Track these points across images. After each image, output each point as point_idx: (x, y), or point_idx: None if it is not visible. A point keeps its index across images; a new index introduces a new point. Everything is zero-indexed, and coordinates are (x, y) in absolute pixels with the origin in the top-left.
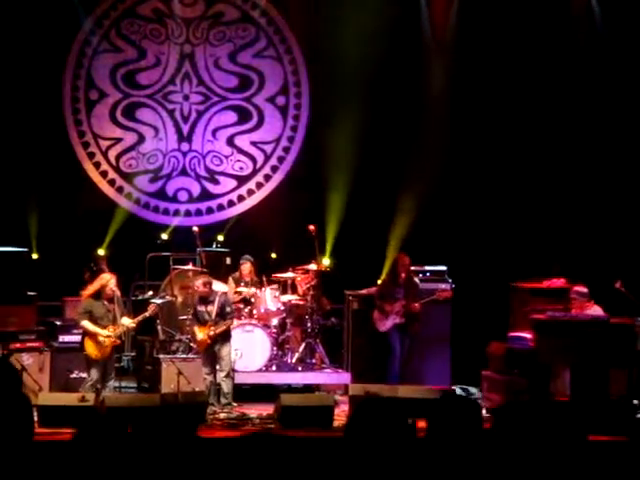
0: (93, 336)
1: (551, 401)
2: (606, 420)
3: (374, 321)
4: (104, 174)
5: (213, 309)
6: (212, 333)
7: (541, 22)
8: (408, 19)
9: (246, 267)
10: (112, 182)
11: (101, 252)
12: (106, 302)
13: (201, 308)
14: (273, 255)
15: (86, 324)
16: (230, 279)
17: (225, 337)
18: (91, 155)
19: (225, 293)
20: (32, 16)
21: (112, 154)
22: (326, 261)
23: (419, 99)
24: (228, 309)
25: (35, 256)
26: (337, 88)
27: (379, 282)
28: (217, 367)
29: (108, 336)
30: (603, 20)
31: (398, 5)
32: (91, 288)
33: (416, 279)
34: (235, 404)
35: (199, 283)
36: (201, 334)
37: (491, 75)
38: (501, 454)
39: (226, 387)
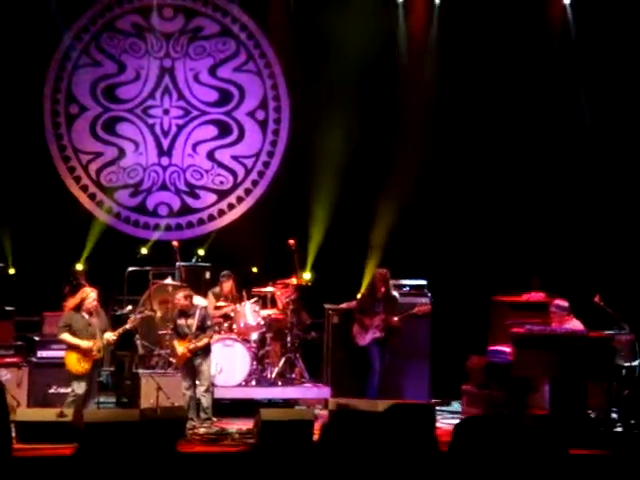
0: (75, 350)
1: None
2: (585, 434)
3: (354, 335)
4: (84, 188)
5: (193, 323)
6: (192, 347)
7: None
8: (388, 32)
9: (228, 285)
10: (92, 196)
11: (79, 267)
12: (86, 316)
13: (181, 322)
14: (254, 269)
15: (66, 337)
16: (210, 294)
17: (205, 351)
18: (71, 169)
19: (205, 307)
20: (12, 30)
21: (93, 168)
22: (307, 275)
23: (399, 113)
24: (209, 322)
25: (12, 271)
26: (317, 102)
27: (359, 296)
28: (197, 382)
29: (89, 347)
30: (577, 27)
31: (378, 18)
32: (72, 301)
33: (395, 293)
34: (214, 419)
35: (180, 296)
36: (181, 348)
37: (471, 88)
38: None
39: (205, 402)
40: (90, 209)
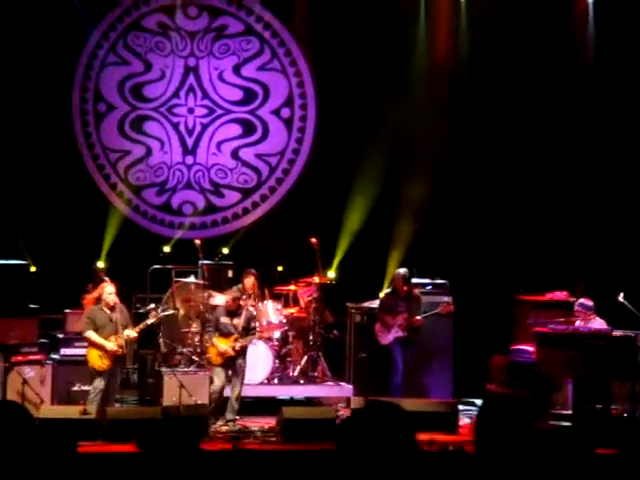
0: (97, 347)
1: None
2: (609, 433)
3: (376, 334)
4: (113, 186)
5: (240, 322)
6: (239, 345)
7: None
8: (412, 28)
9: (249, 281)
10: (121, 194)
11: (100, 264)
12: (107, 311)
13: (225, 320)
14: (279, 268)
15: (91, 334)
16: (234, 288)
17: (245, 352)
18: (100, 167)
19: (251, 307)
20: (40, 29)
21: (121, 166)
22: (331, 274)
23: (425, 110)
24: (253, 324)
25: (33, 269)
26: (344, 99)
27: (381, 295)
28: (233, 382)
29: (112, 349)
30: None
31: (401, 18)
32: (90, 296)
33: (418, 292)
34: (238, 417)
35: (232, 294)
36: (224, 345)
37: (495, 92)
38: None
39: (237, 404)
40: (119, 207)
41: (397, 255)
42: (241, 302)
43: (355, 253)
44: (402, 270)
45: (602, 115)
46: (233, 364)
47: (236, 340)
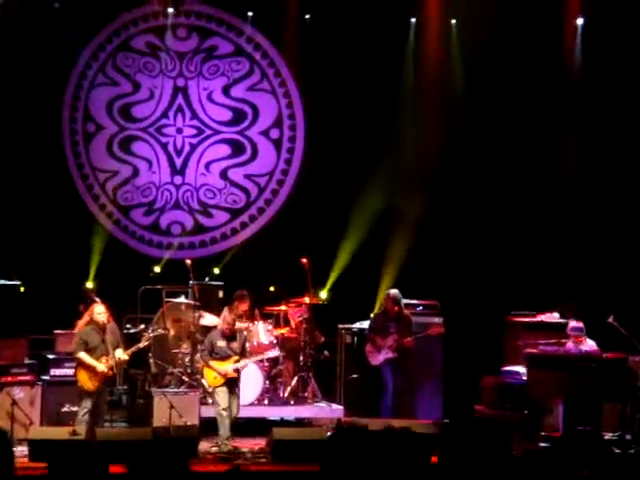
0: (86, 367)
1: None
2: (599, 455)
3: (366, 355)
4: (102, 207)
5: (237, 345)
6: (241, 366)
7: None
8: (402, 50)
9: (244, 305)
10: (110, 215)
11: (89, 284)
12: (99, 331)
13: (222, 343)
14: (271, 288)
15: (83, 356)
16: (226, 309)
17: (239, 375)
18: (89, 187)
19: (245, 330)
20: (30, 50)
21: (109, 186)
22: (324, 294)
23: (415, 131)
24: (247, 346)
25: (22, 289)
26: (332, 121)
27: (372, 316)
28: (230, 403)
29: (103, 371)
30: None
31: (392, 36)
32: (82, 319)
33: (408, 313)
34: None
35: (228, 318)
36: (223, 367)
37: (486, 112)
38: None
39: (232, 423)
40: (107, 227)
41: (389, 276)
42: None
43: (348, 274)
44: (392, 291)
45: (582, 137)
46: (232, 385)
47: (237, 361)
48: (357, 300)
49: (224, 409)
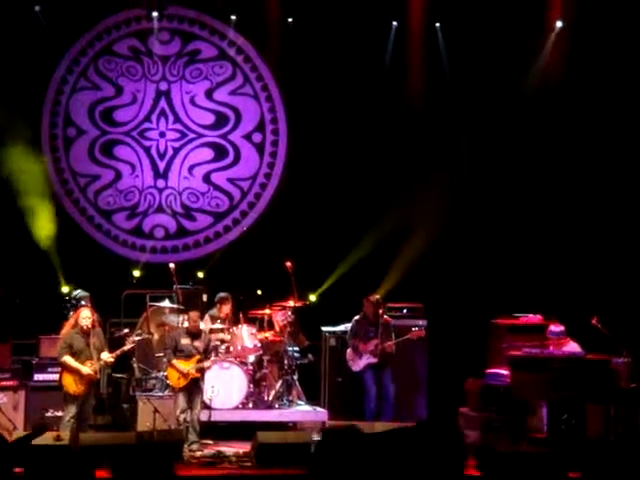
0: (71, 372)
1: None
2: (583, 457)
3: (347, 360)
4: (83, 211)
5: (200, 344)
6: (205, 366)
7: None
8: (386, 53)
9: (227, 308)
10: (91, 219)
11: (65, 289)
12: (84, 336)
13: (186, 341)
14: (259, 292)
15: (67, 359)
16: (207, 316)
17: (203, 375)
18: (69, 192)
19: (208, 331)
20: (10, 55)
21: (91, 191)
22: (313, 297)
23: (399, 135)
24: (210, 347)
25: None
26: (315, 124)
27: (352, 321)
28: (193, 404)
29: (89, 374)
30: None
31: (373, 41)
32: (68, 323)
33: (389, 319)
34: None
35: (194, 316)
36: (187, 367)
37: (472, 116)
38: None
39: (199, 425)
40: (88, 231)
41: (372, 279)
42: (202, 325)
43: (327, 277)
44: (372, 296)
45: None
46: (194, 386)
47: (199, 361)
48: (342, 303)
49: (182, 411)
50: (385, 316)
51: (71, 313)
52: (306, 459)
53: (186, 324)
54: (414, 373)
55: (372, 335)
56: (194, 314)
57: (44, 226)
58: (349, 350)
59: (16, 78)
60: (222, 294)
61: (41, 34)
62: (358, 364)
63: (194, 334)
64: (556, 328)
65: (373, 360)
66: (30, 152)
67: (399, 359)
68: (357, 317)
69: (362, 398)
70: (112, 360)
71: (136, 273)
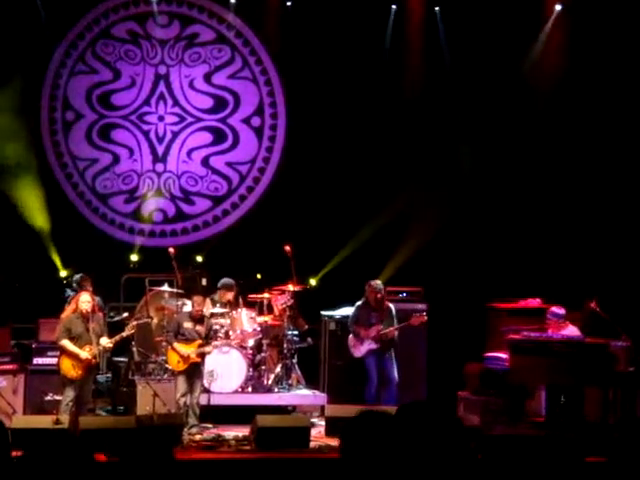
0: (69, 355)
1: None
2: (582, 440)
3: (349, 346)
4: (81, 195)
5: (202, 329)
6: (208, 350)
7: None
8: (384, 37)
9: (230, 294)
10: (89, 203)
11: (63, 273)
12: (84, 320)
13: (188, 325)
14: (258, 276)
15: (66, 343)
16: (208, 300)
17: (203, 360)
18: (69, 176)
19: (227, 317)
20: (7, 39)
21: (89, 175)
22: (313, 281)
23: (399, 119)
24: (212, 333)
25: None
26: (314, 109)
27: (354, 307)
28: (193, 388)
29: (87, 358)
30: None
31: (374, 24)
32: (68, 307)
33: (390, 304)
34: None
35: (198, 300)
36: (188, 350)
37: (471, 98)
38: None
39: (198, 409)
40: (85, 215)
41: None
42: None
43: (327, 261)
44: (373, 281)
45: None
46: (194, 369)
47: (200, 346)
48: (341, 287)
49: (182, 395)
50: (387, 302)
51: (72, 296)
52: (305, 442)
53: (186, 308)
54: (413, 357)
55: (374, 321)
56: (198, 298)
57: (33, 205)
58: (350, 336)
59: (14, 63)
60: (228, 281)
61: (38, 18)
62: (360, 350)
63: (197, 319)
64: (558, 310)
65: (374, 346)
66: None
67: (398, 343)
68: (359, 303)
69: (361, 382)
70: (111, 346)
71: (134, 257)
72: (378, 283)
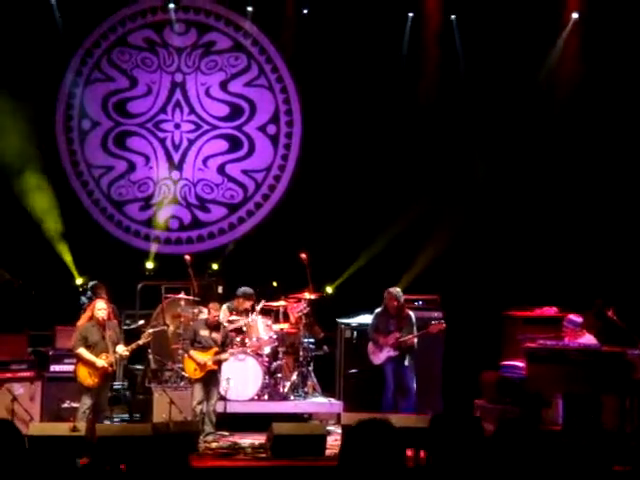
0: (86, 363)
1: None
2: (600, 449)
3: (368, 354)
4: (96, 202)
5: (219, 337)
6: (224, 357)
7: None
8: (401, 45)
9: (249, 303)
10: (104, 210)
11: (79, 281)
12: (100, 328)
13: (205, 333)
14: (274, 283)
15: (82, 352)
16: (225, 307)
17: (220, 367)
18: (85, 184)
19: (243, 326)
20: (24, 48)
21: (104, 182)
22: (329, 289)
23: (413, 126)
24: (228, 340)
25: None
26: (330, 116)
27: (374, 314)
28: (210, 396)
29: (103, 366)
30: None
31: (388, 32)
32: (84, 315)
33: (410, 312)
34: (226, 433)
35: (214, 307)
36: (205, 358)
37: (486, 103)
38: None
39: (215, 417)
40: (100, 222)
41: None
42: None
43: (343, 269)
44: (392, 289)
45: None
46: (211, 377)
47: (217, 353)
48: (358, 295)
49: (198, 403)
50: (407, 309)
51: (86, 303)
52: (321, 450)
53: (202, 316)
54: (429, 365)
55: (392, 328)
56: (214, 305)
57: (48, 213)
58: (370, 344)
59: (30, 71)
60: (248, 290)
61: (55, 26)
62: (379, 357)
63: (213, 326)
64: (576, 318)
65: (393, 353)
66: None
67: (417, 351)
68: (378, 310)
69: (378, 390)
70: (127, 354)
71: (149, 265)
72: (397, 290)
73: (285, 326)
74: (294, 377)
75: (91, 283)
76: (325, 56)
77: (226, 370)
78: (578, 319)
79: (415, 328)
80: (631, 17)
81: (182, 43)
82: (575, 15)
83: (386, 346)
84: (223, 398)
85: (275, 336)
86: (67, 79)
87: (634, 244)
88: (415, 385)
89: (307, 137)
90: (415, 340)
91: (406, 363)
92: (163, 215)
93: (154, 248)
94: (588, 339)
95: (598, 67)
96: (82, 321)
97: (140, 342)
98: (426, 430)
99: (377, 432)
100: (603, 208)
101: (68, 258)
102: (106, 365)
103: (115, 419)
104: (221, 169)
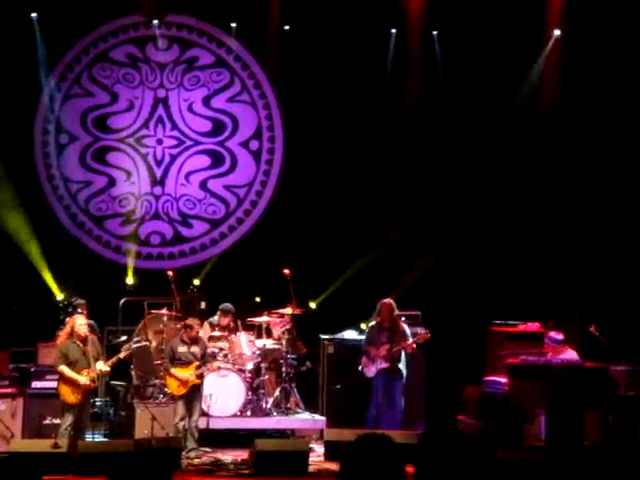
0: (68, 381)
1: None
2: (582, 465)
3: (362, 367)
4: (74, 217)
5: (198, 350)
6: (206, 371)
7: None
8: (383, 61)
9: (226, 319)
10: (81, 225)
11: (59, 297)
12: (80, 344)
13: (183, 349)
14: (257, 299)
15: (63, 369)
16: (206, 323)
17: (203, 381)
18: (60, 198)
19: (225, 340)
20: (1, 60)
21: (82, 197)
22: (313, 305)
23: (396, 142)
24: (207, 352)
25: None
26: (312, 133)
27: (368, 327)
28: (192, 411)
29: (85, 383)
30: None
31: (372, 48)
32: (63, 332)
33: (404, 325)
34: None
35: (191, 323)
36: (186, 374)
37: (469, 119)
38: None
39: (197, 433)
40: (79, 237)
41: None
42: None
43: (325, 284)
44: (388, 300)
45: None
46: (194, 393)
47: (198, 367)
48: (340, 311)
49: (181, 419)
50: (401, 323)
51: (67, 320)
52: (304, 467)
53: (201, 332)
54: (412, 380)
55: (383, 340)
56: (192, 321)
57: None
58: (363, 357)
59: (7, 86)
60: (227, 306)
61: (34, 41)
62: (371, 370)
63: (190, 342)
64: (557, 336)
65: (385, 365)
66: None
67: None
68: (372, 323)
69: (361, 406)
70: (108, 369)
71: (129, 281)
72: (389, 302)
73: (268, 342)
74: (277, 393)
75: (72, 299)
76: (308, 72)
77: (209, 386)
78: (558, 336)
79: (411, 340)
80: (612, 34)
81: (164, 59)
82: (557, 32)
83: (377, 358)
84: (206, 414)
85: (258, 352)
86: (45, 94)
87: (617, 259)
88: (402, 404)
89: (289, 153)
90: (415, 346)
91: (403, 369)
92: (144, 231)
93: (131, 262)
94: (570, 355)
95: (580, 83)
96: (61, 338)
97: (121, 356)
98: (414, 447)
99: (377, 448)
100: (586, 224)
101: (47, 275)
102: (88, 382)
103: (97, 435)
104: (203, 184)
